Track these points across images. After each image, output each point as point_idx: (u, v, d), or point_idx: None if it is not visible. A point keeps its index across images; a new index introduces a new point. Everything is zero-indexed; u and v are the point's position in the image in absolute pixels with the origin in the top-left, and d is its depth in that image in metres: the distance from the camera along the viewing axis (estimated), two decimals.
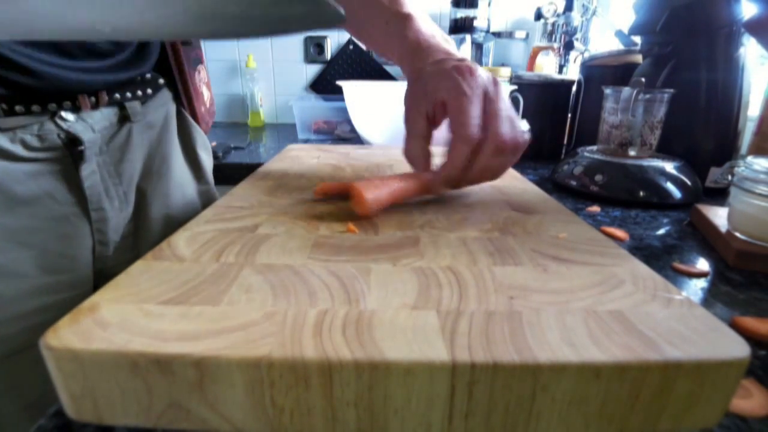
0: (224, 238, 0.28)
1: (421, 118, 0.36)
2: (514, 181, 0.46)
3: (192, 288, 0.21)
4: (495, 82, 0.35)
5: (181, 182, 0.52)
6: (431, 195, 0.38)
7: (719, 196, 0.61)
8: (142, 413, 0.17)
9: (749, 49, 0.59)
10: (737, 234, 0.40)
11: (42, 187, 0.37)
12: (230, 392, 0.17)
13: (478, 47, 1.29)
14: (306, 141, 1.13)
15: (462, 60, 0.36)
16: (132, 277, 0.23)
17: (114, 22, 0.21)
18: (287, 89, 1.51)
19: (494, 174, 0.37)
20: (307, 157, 0.57)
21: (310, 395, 0.17)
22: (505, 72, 1.11)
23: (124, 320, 0.18)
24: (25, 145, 0.36)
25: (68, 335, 0.17)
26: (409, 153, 0.37)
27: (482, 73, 0.35)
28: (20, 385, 0.37)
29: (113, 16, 0.21)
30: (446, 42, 0.41)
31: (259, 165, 0.52)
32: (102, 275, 0.43)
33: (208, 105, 0.58)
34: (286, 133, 1.31)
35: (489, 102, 0.34)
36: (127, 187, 0.44)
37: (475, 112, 0.33)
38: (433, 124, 0.37)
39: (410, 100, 0.37)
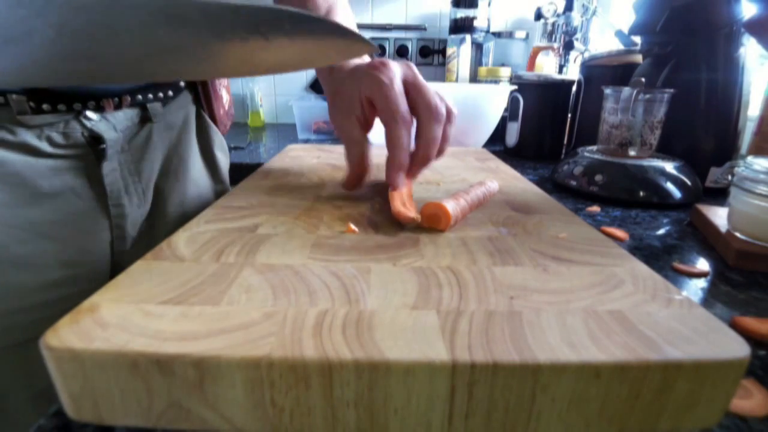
0: (224, 238, 0.28)
1: (354, 125, 0.37)
2: (514, 181, 0.46)
3: (192, 288, 0.21)
4: (409, 66, 0.37)
5: (198, 182, 0.53)
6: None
7: (719, 196, 0.61)
8: (142, 413, 0.17)
9: (749, 49, 0.59)
10: (737, 234, 0.40)
11: (65, 183, 0.38)
12: (230, 392, 0.17)
13: (478, 47, 1.29)
14: (306, 141, 1.13)
15: (374, 59, 0.38)
16: (132, 277, 0.23)
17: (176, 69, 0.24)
18: (287, 89, 1.51)
19: (439, 146, 0.37)
20: (307, 157, 0.57)
21: (310, 395, 0.17)
22: (505, 72, 1.11)
23: (124, 320, 0.18)
24: (51, 142, 0.37)
25: (68, 335, 0.17)
26: (353, 159, 0.38)
27: (395, 63, 0.37)
28: (32, 374, 0.38)
29: (173, 64, 0.23)
30: None
31: (259, 165, 0.52)
32: (119, 269, 0.44)
33: (226, 107, 0.59)
34: (286, 133, 1.31)
35: (410, 84, 0.36)
36: (146, 185, 0.46)
37: (397, 94, 0.35)
38: (366, 126, 0.38)
39: (337, 112, 0.39)
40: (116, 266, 0.44)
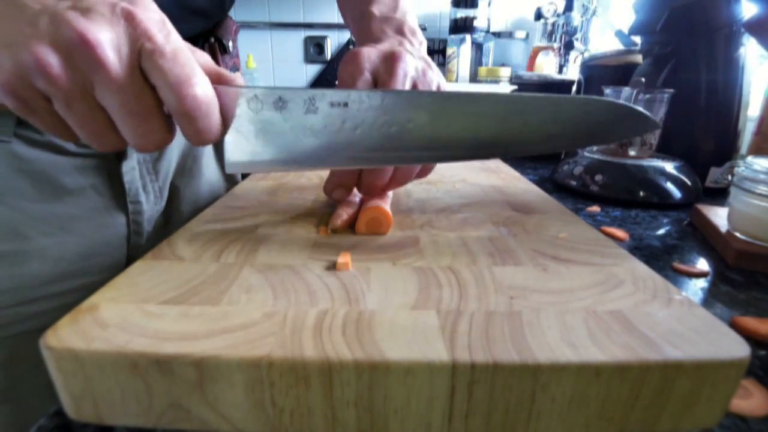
0: (224, 238, 0.28)
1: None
2: (514, 181, 0.46)
3: (192, 288, 0.21)
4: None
5: (211, 180, 0.55)
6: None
7: (719, 196, 0.61)
8: (142, 413, 0.17)
9: (749, 49, 0.59)
10: (737, 234, 0.40)
11: (87, 180, 0.40)
12: (230, 392, 0.17)
13: (478, 47, 1.29)
14: None
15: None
16: (132, 277, 0.23)
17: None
18: None
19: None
20: None
21: (310, 395, 0.17)
22: (505, 72, 1.11)
23: (124, 320, 0.18)
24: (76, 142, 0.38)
25: (68, 335, 0.17)
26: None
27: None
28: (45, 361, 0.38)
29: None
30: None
31: None
32: (134, 261, 0.45)
33: None
34: None
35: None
36: (163, 183, 0.47)
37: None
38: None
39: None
40: (131, 259, 0.45)
